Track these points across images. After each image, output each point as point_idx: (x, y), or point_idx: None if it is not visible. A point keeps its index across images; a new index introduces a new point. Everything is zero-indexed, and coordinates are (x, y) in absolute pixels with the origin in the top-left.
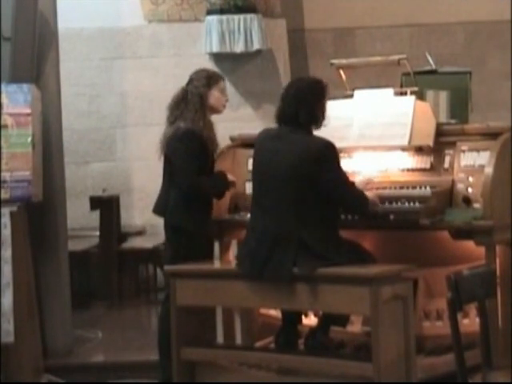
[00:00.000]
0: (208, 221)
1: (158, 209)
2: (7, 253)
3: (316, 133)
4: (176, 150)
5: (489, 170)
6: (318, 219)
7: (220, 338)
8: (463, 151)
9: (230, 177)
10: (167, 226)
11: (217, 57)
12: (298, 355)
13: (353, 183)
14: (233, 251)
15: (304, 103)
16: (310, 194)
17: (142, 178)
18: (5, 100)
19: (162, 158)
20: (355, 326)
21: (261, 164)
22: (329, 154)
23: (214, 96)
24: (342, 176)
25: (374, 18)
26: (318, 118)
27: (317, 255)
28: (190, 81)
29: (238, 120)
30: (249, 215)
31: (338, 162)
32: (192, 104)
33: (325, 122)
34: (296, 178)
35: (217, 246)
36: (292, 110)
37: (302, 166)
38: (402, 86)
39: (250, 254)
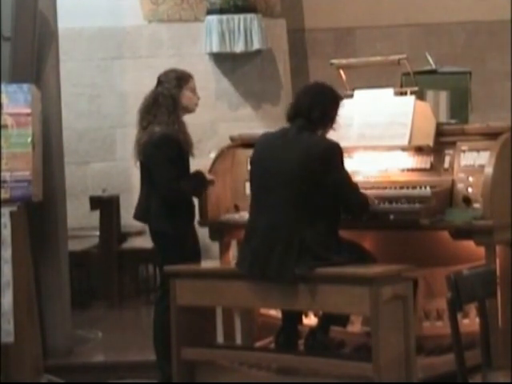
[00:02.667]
0: (192, 223)
1: (139, 215)
2: (7, 253)
3: None
4: (153, 156)
5: (489, 170)
6: (320, 219)
7: (220, 338)
8: (463, 151)
9: (208, 176)
10: (153, 232)
11: (217, 57)
12: (297, 355)
13: (356, 184)
14: (233, 251)
15: (320, 103)
16: (313, 193)
17: None
18: (5, 100)
19: (138, 164)
20: (355, 326)
21: (263, 162)
22: (334, 154)
23: (185, 96)
24: (346, 176)
25: (374, 18)
26: (327, 122)
27: (317, 255)
28: (160, 83)
29: (238, 120)
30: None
31: (342, 163)
32: (165, 107)
33: (334, 126)
34: (300, 177)
35: (217, 246)
36: (306, 106)
37: (307, 165)
38: (402, 86)
39: (252, 254)
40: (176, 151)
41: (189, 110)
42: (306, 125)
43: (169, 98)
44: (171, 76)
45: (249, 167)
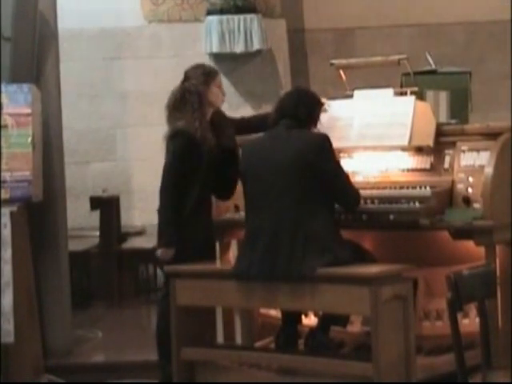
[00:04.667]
0: (196, 224)
1: None
2: (7, 253)
3: None
4: (166, 149)
5: (489, 170)
6: (321, 210)
7: (220, 338)
8: (463, 151)
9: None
10: None
11: (217, 57)
12: (298, 355)
13: (348, 176)
14: (233, 251)
15: (305, 103)
16: (312, 185)
17: (142, 178)
18: (5, 100)
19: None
20: (355, 326)
21: (257, 165)
22: (327, 145)
23: (212, 93)
24: (340, 167)
25: (374, 17)
26: (312, 122)
27: (323, 247)
28: (187, 78)
29: None
30: None
31: (334, 154)
32: (190, 103)
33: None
34: (298, 171)
35: (217, 245)
36: (292, 106)
37: (303, 158)
38: (402, 86)
39: (260, 256)
40: (187, 148)
41: (215, 106)
42: (294, 123)
43: (195, 94)
44: (198, 72)
45: None
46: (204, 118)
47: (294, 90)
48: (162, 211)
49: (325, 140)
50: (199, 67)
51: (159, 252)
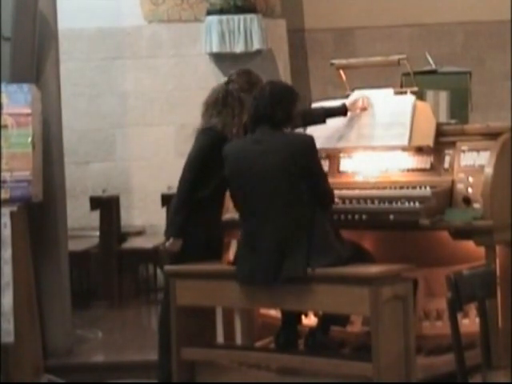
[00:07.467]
0: (201, 222)
1: None
2: (7, 253)
3: (312, 131)
4: (194, 142)
5: (489, 170)
6: (319, 212)
7: (220, 338)
8: (463, 151)
9: None
10: None
11: (217, 57)
12: (298, 355)
13: (327, 175)
14: (233, 251)
15: (280, 104)
16: (304, 187)
17: (141, 178)
18: (5, 100)
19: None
20: (355, 326)
21: (246, 170)
22: (313, 145)
23: None
24: (322, 167)
25: (374, 18)
26: (292, 119)
27: (325, 248)
28: (230, 81)
29: None
30: None
31: (318, 154)
32: (231, 108)
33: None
34: (289, 174)
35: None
36: (268, 109)
37: (292, 160)
38: (402, 86)
39: (263, 262)
40: (216, 146)
41: None
42: (273, 127)
43: (237, 100)
44: (243, 79)
45: None
46: (241, 125)
47: (266, 92)
48: (175, 201)
49: (311, 141)
50: (245, 74)
51: (167, 243)
